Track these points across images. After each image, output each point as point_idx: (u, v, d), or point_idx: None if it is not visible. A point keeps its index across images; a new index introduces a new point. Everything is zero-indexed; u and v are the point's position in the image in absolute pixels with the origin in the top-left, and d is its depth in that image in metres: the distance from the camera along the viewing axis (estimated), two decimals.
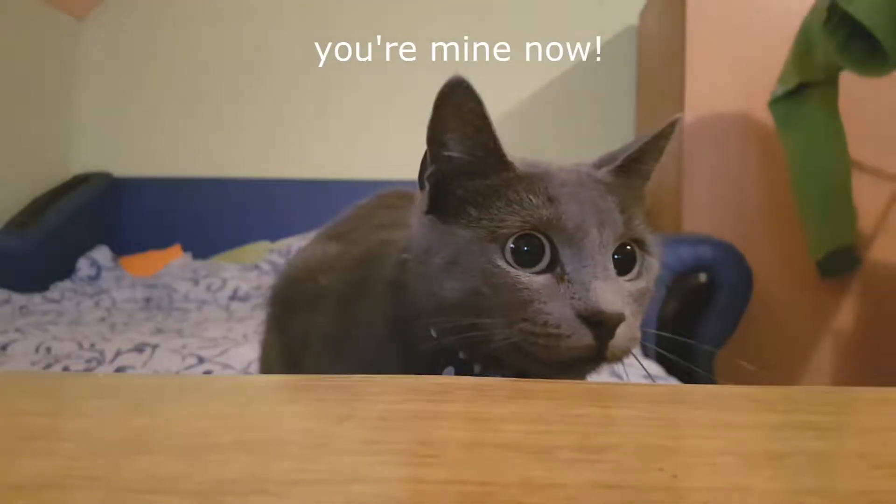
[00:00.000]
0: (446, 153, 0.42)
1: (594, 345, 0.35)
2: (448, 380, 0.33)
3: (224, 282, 1.69)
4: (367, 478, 0.20)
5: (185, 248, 2.11)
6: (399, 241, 0.46)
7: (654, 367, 1.01)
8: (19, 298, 1.56)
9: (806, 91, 1.38)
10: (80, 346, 1.07)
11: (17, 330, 1.20)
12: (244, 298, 1.67)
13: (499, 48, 2.23)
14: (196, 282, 1.70)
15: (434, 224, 0.41)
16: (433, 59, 2.24)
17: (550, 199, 0.39)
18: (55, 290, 1.70)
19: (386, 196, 0.65)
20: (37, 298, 1.60)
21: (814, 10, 1.29)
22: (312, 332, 0.48)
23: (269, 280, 1.77)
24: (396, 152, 2.23)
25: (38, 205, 1.96)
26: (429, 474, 0.20)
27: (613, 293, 0.37)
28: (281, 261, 1.86)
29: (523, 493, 0.19)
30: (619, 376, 0.94)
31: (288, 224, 2.12)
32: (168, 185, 2.21)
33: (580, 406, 0.29)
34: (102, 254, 1.90)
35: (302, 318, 0.50)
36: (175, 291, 1.68)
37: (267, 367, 0.58)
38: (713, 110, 1.59)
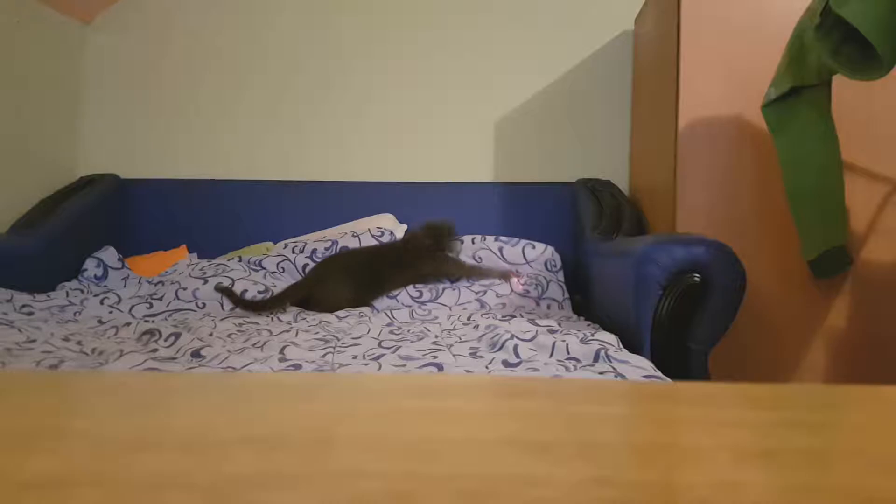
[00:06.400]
0: None
1: None
2: (449, 377, 0.34)
3: (232, 283, 1.69)
4: (369, 473, 0.20)
5: (191, 249, 2.12)
6: None
7: (648, 365, 1.02)
8: (23, 297, 1.55)
9: (799, 94, 1.39)
10: (84, 345, 1.07)
11: (20, 330, 1.20)
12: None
13: (495, 53, 2.24)
14: (205, 281, 1.70)
15: None
16: (433, 63, 2.25)
17: None
18: (61, 290, 1.70)
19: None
20: (41, 297, 1.60)
21: (807, 13, 1.30)
22: None
23: (273, 280, 1.77)
24: (398, 155, 2.24)
25: (45, 206, 1.97)
26: (430, 469, 0.21)
27: None
28: (284, 261, 1.87)
29: (522, 488, 0.19)
30: (623, 375, 0.96)
31: (292, 225, 2.13)
32: (174, 186, 2.22)
33: (578, 403, 0.29)
34: (109, 255, 1.90)
35: None
36: (184, 290, 1.68)
37: None
38: (707, 113, 1.60)
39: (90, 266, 1.86)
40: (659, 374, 0.99)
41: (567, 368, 0.99)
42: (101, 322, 1.43)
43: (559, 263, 1.87)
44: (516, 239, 1.93)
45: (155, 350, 1.07)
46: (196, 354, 1.03)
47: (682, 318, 1.22)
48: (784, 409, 0.29)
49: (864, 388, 0.32)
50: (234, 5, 2.31)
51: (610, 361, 1.02)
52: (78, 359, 1.01)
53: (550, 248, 1.89)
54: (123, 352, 1.03)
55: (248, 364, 0.97)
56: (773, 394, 0.31)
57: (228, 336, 1.23)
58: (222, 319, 1.42)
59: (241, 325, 1.35)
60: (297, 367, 0.97)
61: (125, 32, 2.32)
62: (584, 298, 1.78)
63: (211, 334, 1.23)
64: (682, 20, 1.61)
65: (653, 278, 1.22)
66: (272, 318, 1.48)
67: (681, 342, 1.23)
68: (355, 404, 0.28)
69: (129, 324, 1.30)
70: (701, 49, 1.60)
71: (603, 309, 1.55)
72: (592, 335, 1.19)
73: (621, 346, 1.16)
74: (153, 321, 1.43)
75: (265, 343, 1.13)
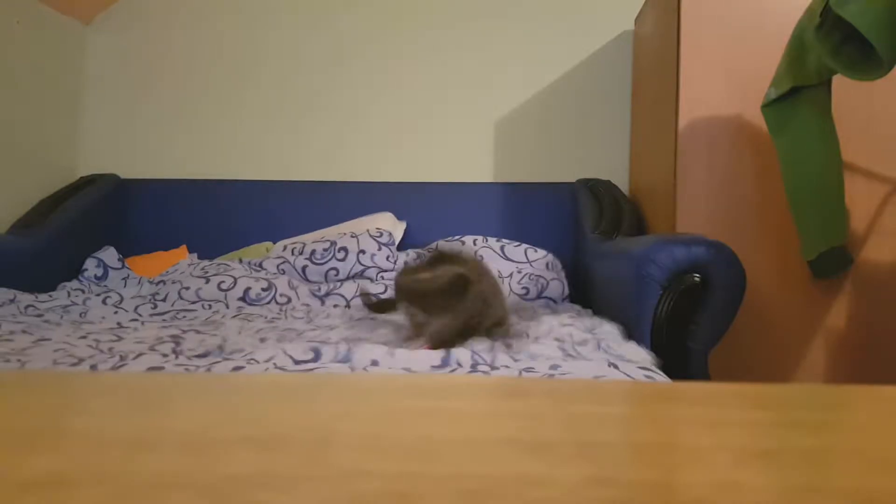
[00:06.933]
0: None
1: None
2: (448, 377, 0.34)
3: (235, 281, 1.69)
4: (369, 472, 0.20)
5: (191, 249, 2.12)
6: None
7: (646, 358, 1.03)
8: (26, 298, 1.55)
9: (799, 94, 1.39)
10: (98, 347, 1.07)
11: (25, 332, 1.20)
12: (255, 301, 1.67)
13: (495, 53, 2.24)
14: (206, 280, 1.70)
15: None
16: (433, 63, 2.25)
17: None
18: (62, 290, 1.70)
19: None
20: (44, 297, 1.60)
21: (807, 14, 1.30)
22: None
23: (274, 280, 1.77)
24: (398, 155, 2.24)
25: (45, 206, 1.97)
26: (430, 469, 0.21)
27: None
28: (284, 262, 1.87)
29: (522, 488, 0.19)
30: (626, 375, 0.96)
31: (292, 225, 2.13)
32: (174, 186, 2.22)
33: (577, 403, 0.29)
34: (109, 255, 1.90)
35: None
36: (186, 289, 1.68)
37: None
38: (707, 113, 1.60)
39: (90, 266, 1.86)
40: (654, 368, 0.99)
41: (566, 352, 1.01)
42: (120, 325, 1.42)
43: (559, 265, 1.89)
44: (517, 242, 1.94)
45: (178, 345, 1.08)
46: (220, 350, 1.04)
47: (682, 318, 1.22)
48: (784, 409, 0.29)
49: (864, 388, 0.32)
50: (234, 5, 2.31)
51: (609, 351, 1.05)
52: (97, 356, 1.01)
53: (550, 255, 1.90)
54: (142, 353, 1.02)
55: (272, 357, 0.97)
56: (773, 394, 0.31)
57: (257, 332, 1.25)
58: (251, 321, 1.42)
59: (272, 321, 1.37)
60: (317, 351, 0.97)
61: (125, 32, 2.33)
62: (584, 297, 1.79)
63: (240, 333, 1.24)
64: (682, 20, 1.61)
65: (653, 278, 1.22)
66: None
67: (681, 342, 1.23)
68: (355, 404, 0.28)
69: (141, 321, 1.30)
70: (701, 49, 1.60)
71: (603, 309, 1.55)
72: (600, 326, 1.22)
73: (623, 337, 1.18)
74: (165, 319, 1.43)
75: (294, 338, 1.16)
